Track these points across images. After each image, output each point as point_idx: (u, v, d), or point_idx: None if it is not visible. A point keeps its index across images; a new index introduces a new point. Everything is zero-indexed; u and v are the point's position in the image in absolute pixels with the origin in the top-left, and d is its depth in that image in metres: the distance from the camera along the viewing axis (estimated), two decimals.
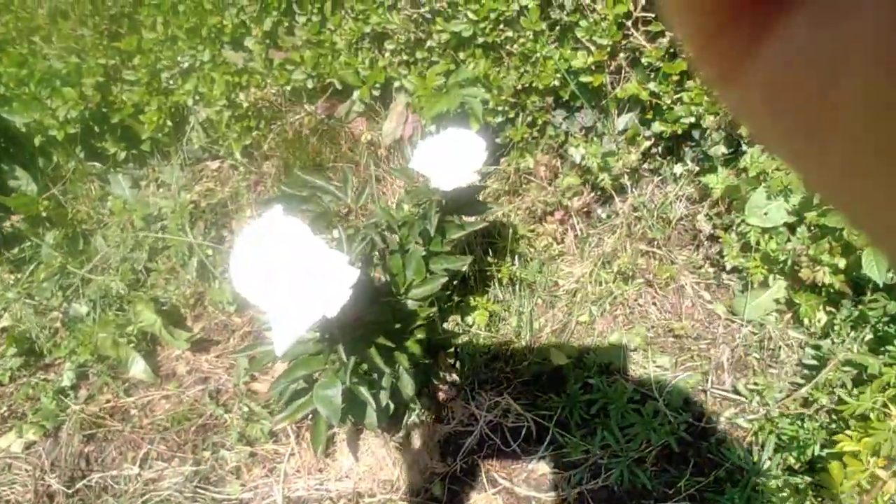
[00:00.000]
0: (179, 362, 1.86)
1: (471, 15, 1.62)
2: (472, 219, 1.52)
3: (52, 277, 1.98)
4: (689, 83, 1.57)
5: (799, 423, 1.46)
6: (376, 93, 1.82)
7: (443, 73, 1.72)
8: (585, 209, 1.83)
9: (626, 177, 1.74)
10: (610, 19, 1.54)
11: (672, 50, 1.56)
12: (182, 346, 1.84)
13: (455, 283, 1.66)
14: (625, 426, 1.53)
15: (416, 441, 1.57)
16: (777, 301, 1.67)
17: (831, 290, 1.55)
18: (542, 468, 1.53)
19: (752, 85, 0.20)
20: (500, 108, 1.73)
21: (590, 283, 1.75)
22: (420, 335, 1.40)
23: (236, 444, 1.63)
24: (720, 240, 1.69)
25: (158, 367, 1.85)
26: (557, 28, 1.64)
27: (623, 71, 1.65)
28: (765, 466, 1.42)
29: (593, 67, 1.62)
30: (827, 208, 1.50)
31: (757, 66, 0.19)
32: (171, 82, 1.96)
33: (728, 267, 1.67)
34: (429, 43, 1.73)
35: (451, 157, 1.31)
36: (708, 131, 1.62)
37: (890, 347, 1.43)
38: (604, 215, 1.85)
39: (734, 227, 1.69)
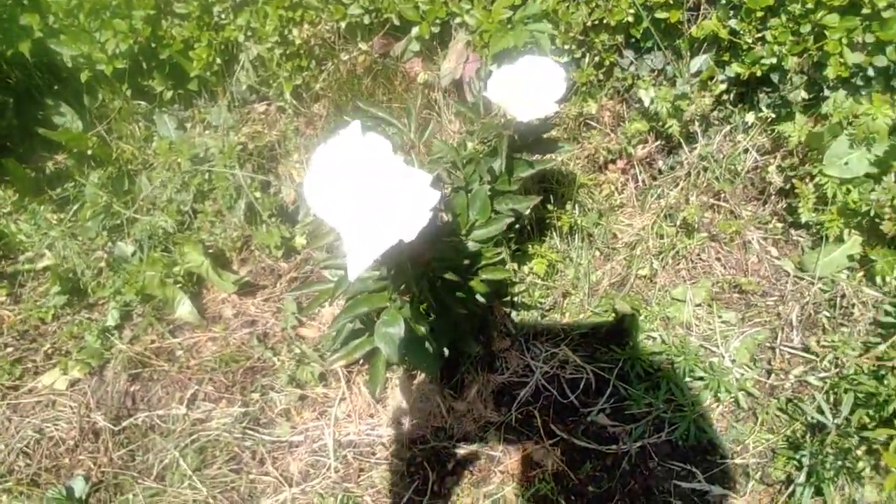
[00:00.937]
0: (225, 305, 1.82)
1: None
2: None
3: (97, 217, 1.94)
4: (774, 20, 1.48)
5: (876, 380, 1.38)
6: (435, 29, 1.75)
7: (509, 8, 1.64)
8: (648, 158, 1.75)
9: (695, 123, 1.65)
10: None
11: None
12: (229, 289, 1.80)
13: (516, 227, 1.59)
14: (690, 381, 1.46)
15: (471, 389, 1.52)
16: (851, 258, 1.58)
17: None
18: (601, 420, 1.48)
19: None
20: (566, 47, 1.65)
21: (651, 236, 1.67)
22: (486, 275, 1.34)
23: (286, 386, 1.59)
24: (792, 193, 1.61)
25: (205, 309, 1.81)
26: None
27: (701, 7, 1.56)
28: (839, 423, 1.35)
29: (671, 2, 1.53)
30: None
31: None
32: (222, 17, 1.90)
33: (802, 221, 1.58)
34: None
35: (529, 87, 1.24)
36: (789, 74, 1.53)
37: None
38: (665, 166, 1.77)
39: (808, 180, 1.60)
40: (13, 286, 1.90)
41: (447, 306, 1.38)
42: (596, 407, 1.48)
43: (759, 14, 1.47)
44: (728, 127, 1.70)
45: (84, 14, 1.85)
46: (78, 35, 1.86)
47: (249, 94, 2.04)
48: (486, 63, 1.68)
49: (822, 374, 1.47)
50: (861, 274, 1.58)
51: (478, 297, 1.35)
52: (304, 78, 1.94)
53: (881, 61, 1.45)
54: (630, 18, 1.58)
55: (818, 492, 1.32)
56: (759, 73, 1.55)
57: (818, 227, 1.57)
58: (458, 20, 1.73)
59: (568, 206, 1.66)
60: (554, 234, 1.68)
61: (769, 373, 1.51)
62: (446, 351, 1.44)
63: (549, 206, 1.65)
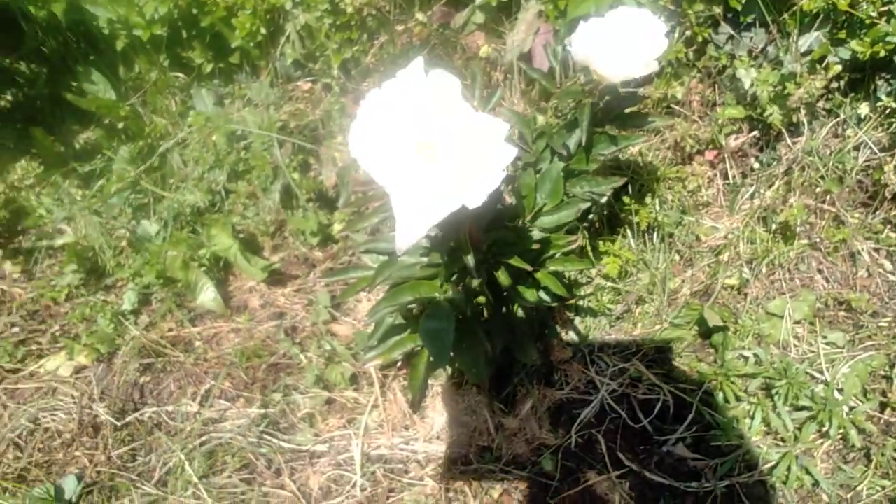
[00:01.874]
0: (253, 294, 1.64)
1: None
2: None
3: (122, 192, 1.79)
4: None
5: None
6: None
7: None
8: (740, 151, 1.52)
9: (800, 112, 1.42)
10: None
11: None
12: (258, 277, 1.62)
13: (589, 217, 1.38)
14: (790, 410, 1.21)
15: (524, 405, 1.30)
16: None
17: None
18: (680, 452, 1.24)
19: None
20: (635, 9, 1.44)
21: (742, 241, 1.44)
22: (556, 266, 1.13)
23: (312, 387, 1.39)
24: None
25: (229, 298, 1.64)
26: None
27: None
28: None
29: None
30: None
31: None
32: None
33: None
34: None
35: (624, 40, 1.03)
36: None
37: None
38: (759, 161, 1.53)
39: None
40: (28, 262, 1.75)
41: (506, 302, 1.17)
42: (674, 435, 1.25)
43: None
44: (835, 119, 1.46)
45: None
46: None
47: (294, 69, 1.88)
48: (561, 34, 1.48)
49: None
50: None
51: (543, 294, 1.13)
52: (354, 52, 1.77)
53: None
54: None
55: None
56: (882, 54, 1.32)
57: None
58: None
59: (647, 200, 1.44)
60: (628, 231, 1.45)
61: (884, 406, 1.25)
62: (498, 356, 1.23)
63: (625, 199, 1.43)
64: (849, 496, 1.17)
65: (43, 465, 1.35)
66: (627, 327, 1.37)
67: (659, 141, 1.53)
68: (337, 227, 1.69)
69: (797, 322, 1.34)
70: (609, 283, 1.40)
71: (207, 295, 1.60)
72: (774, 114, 1.41)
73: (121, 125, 1.87)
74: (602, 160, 1.20)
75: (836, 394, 1.25)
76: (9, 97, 1.94)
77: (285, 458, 1.32)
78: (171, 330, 1.58)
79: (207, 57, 1.87)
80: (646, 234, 1.45)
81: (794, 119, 1.44)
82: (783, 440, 1.20)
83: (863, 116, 1.42)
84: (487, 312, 1.18)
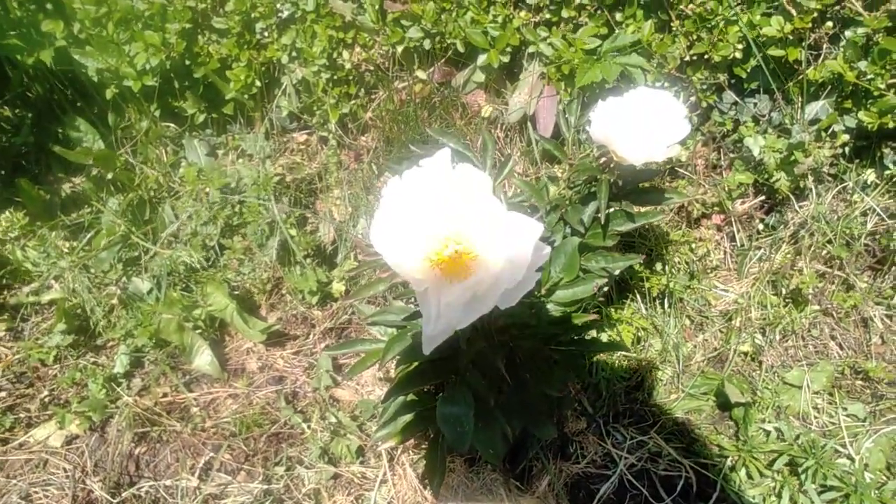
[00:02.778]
0: (250, 356, 1.59)
1: None
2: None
3: (113, 247, 1.73)
4: None
5: None
6: (504, 59, 1.54)
7: (595, 37, 1.43)
8: (746, 215, 1.52)
9: (808, 178, 1.42)
10: None
11: None
12: (256, 338, 1.57)
13: (605, 289, 1.36)
14: (817, 487, 1.20)
15: (541, 481, 1.27)
16: None
17: None
18: None
19: None
20: (658, 84, 1.44)
21: (753, 306, 1.43)
22: (571, 347, 1.10)
23: (316, 461, 1.35)
24: None
25: (225, 360, 1.58)
26: None
27: (823, 46, 1.35)
28: None
29: (790, 37, 1.32)
30: None
31: None
32: (265, 35, 1.71)
33: None
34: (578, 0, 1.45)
35: (645, 124, 1.02)
36: None
37: None
38: (765, 225, 1.53)
39: None
40: (14, 320, 1.68)
41: (524, 383, 1.15)
42: None
43: None
44: (841, 185, 1.47)
45: (113, 23, 1.67)
46: (105, 46, 1.68)
47: (290, 121, 1.85)
48: (565, 98, 1.47)
49: None
50: None
51: (563, 372, 1.11)
52: (352, 106, 1.74)
53: None
54: (738, 55, 1.36)
55: None
56: (890, 125, 1.32)
57: None
58: (531, 49, 1.53)
59: (657, 267, 1.43)
60: (637, 297, 1.44)
61: None
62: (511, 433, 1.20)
63: (634, 265, 1.42)
64: None
65: None
66: (642, 397, 1.35)
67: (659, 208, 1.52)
68: (336, 285, 1.65)
69: (816, 393, 1.33)
70: (621, 352, 1.38)
71: (204, 358, 1.55)
72: (782, 180, 1.41)
73: (110, 176, 1.81)
74: (618, 237, 1.18)
75: (861, 468, 1.23)
76: None
77: None
78: (165, 395, 1.52)
79: (200, 107, 1.83)
80: (655, 301, 1.43)
81: (801, 185, 1.44)
82: None
83: (869, 183, 1.43)
84: (504, 392, 1.15)
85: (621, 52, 1.42)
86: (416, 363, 1.10)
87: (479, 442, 1.16)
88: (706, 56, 1.39)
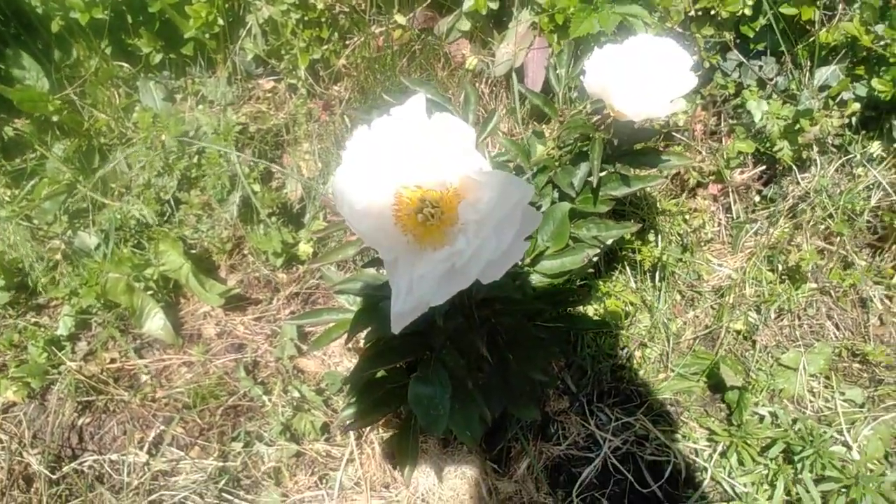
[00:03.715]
0: (208, 321, 1.47)
1: None
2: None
3: (57, 197, 1.58)
4: None
5: None
6: (493, 5, 1.41)
7: None
8: (744, 186, 1.43)
9: (812, 148, 1.33)
10: None
11: None
12: (213, 302, 1.45)
13: (594, 259, 1.26)
14: (814, 476, 1.13)
15: (520, 464, 1.18)
16: None
17: None
18: None
19: None
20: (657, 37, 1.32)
21: (747, 283, 1.35)
22: (559, 323, 1.01)
23: (278, 437, 1.25)
24: None
25: (180, 325, 1.46)
26: None
27: (838, 7, 1.24)
28: None
29: None
30: None
31: None
32: None
33: None
34: None
35: (647, 74, 0.91)
36: None
37: None
38: (762, 197, 1.45)
39: None
40: None
41: (506, 362, 1.05)
42: (688, 502, 1.15)
43: None
44: (843, 157, 1.38)
45: None
46: None
47: (255, 66, 1.69)
48: (556, 51, 1.35)
49: None
50: None
51: (548, 352, 1.01)
52: (324, 52, 1.60)
53: None
54: (747, 11, 1.25)
55: None
56: None
57: None
58: None
59: (650, 237, 1.33)
60: (626, 268, 1.35)
61: None
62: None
63: (625, 235, 1.32)
64: None
65: None
66: (629, 375, 1.27)
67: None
68: (303, 247, 1.53)
69: (812, 376, 1.26)
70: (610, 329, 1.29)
71: (155, 322, 1.42)
72: (784, 149, 1.32)
73: (55, 119, 1.65)
74: (612, 202, 1.08)
75: (863, 459, 1.17)
76: None
77: None
78: (113, 361, 1.40)
79: (157, 46, 1.67)
80: (645, 274, 1.35)
81: (804, 155, 1.35)
82: None
83: (874, 156, 1.35)
84: (484, 372, 1.06)
85: (620, 1, 1.30)
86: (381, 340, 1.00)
87: (454, 424, 1.06)
88: (712, 11, 1.28)
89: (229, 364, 1.38)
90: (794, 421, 1.18)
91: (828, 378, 1.26)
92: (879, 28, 1.21)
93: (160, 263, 1.46)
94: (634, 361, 1.28)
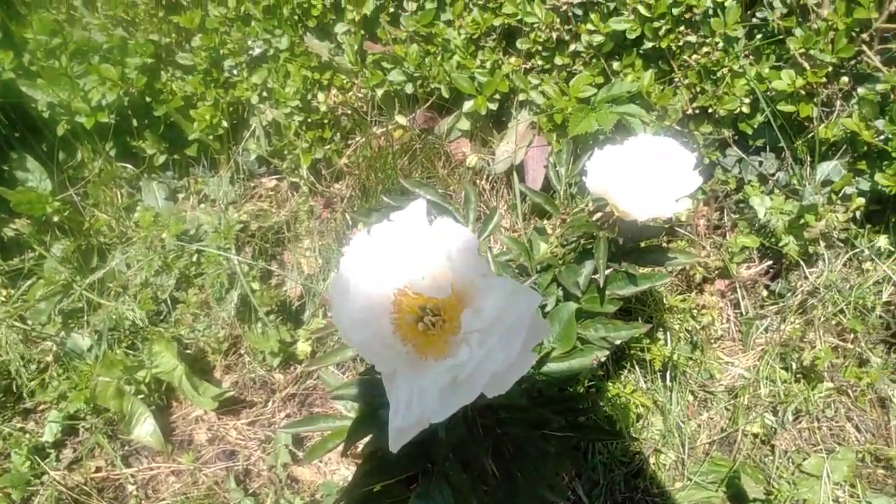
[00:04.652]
0: (199, 426, 1.41)
1: (643, 10, 1.23)
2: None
3: (52, 297, 1.56)
4: None
5: None
6: (492, 106, 1.43)
7: (590, 85, 1.33)
8: (751, 281, 1.40)
9: (819, 243, 1.31)
10: (840, 29, 1.15)
11: None
12: (207, 406, 1.39)
13: (603, 359, 1.22)
14: None
15: None
16: None
17: None
18: None
19: None
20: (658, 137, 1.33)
21: (761, 382, 1.30)
22: (568, 433, 0.95)
23: None
24: None
25: (171, 430, 1.40)
26: (759, 36, 1.25)
27: (836, 103, 1.25)
28: None
29: (802, 92, 1.22)
30: None
31: None
32: (234, 72, 1.59)
33: None
34: (573, 46, 1.35)
35: (650, 174, 0.90)
36: None
37: None
38: (765, 292, 1.42)
39: None
40: None
41: (512, 477, 0.99)
42: None
43: None
44: (850, 251, 1.36)
45: (67, 55, 1.53)
46: (57, 79, 1.54)
47: (258, 165, 1.71)
48: (561, 148, 1.35)
49: None
50: None
51: (557, 464, 0.95)
52: (326, 151, 1.61)
53: None
54: (745, 109, 1.26)
55: None
56: None
57: None
58: (521, 97, 1.42)
59: (658, 335, 1.29)
60: (636, 368, 1.30)
61: None
62: None
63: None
64: None
65: None
66: (644, 484, 1.20)
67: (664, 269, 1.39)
68: (301, 346, 1.49)
69: (836, 484, 1.19)
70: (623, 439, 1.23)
71: (145, 428, 1.37)
72: (790, 244, 1.30)
73: (56, 219, 1.64)
74: (620, 302, 1.04)
75: None
76: None
77: None
78: (98, 470, 1.34)
79: (160, 148, 1.68)
80: (656, 374, 1.30)
81: (810, 250, 1.33)
82: None
83: (882, 249, 1.32)
84: (489, 486, 0.99)
85: (618, 101, 1.31)
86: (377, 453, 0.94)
87: None
88: (710, 110, 1.29)
89: (220, 473, 1.31)
90: None
91: (853, 486, 1.19)
92: (880, 123, 1.21)
93: (153, 365, 1.42)
94: (649, 469, 1.22)
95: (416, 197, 1.06)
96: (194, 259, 1.56)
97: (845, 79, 1.21)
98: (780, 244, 1.32)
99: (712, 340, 1.36)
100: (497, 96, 1.43)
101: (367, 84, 1.50)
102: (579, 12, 1.33)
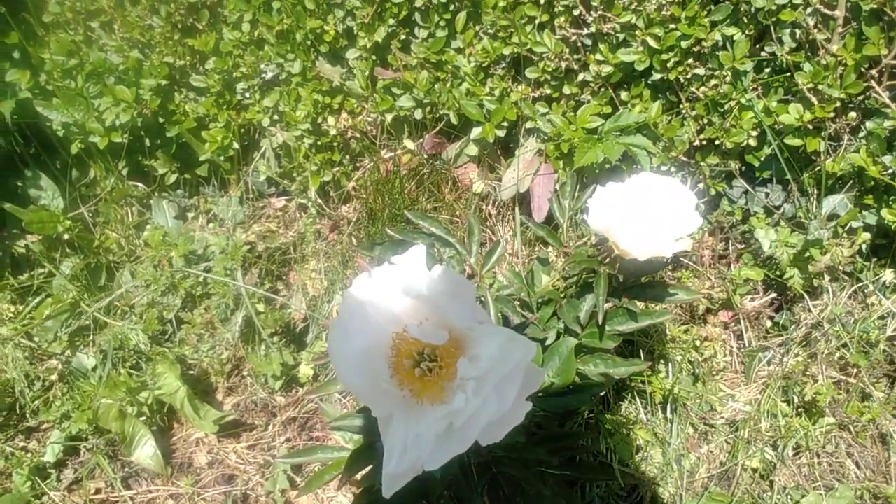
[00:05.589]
0: (200, 449, 1.42)
1: (651, 42, 1.24)
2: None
3: (60, 315, 1.57)
4: None
5: None
6: (500, 133, 1.44)
7: (597, 115, 1.33)
8: (754, 313, 1.39)
9: (824, 277, 1.30)
10: (849, 65, 1.15)
11: None
12: (207, 429, 1.40)
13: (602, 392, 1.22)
14: None
15: None
16: None
17: None
18: None
19: None
20: (664, 168, 1.33)
21: (762, 416, 1.29)
22: (565, 471, 0.95)
23: None
24: None
25: (171, 452, 1.41)
26: (767, 70, 1.25)
27: (844, 137, 1.25)
28: None
29: (809, 126, 1.22)
30: None
31: None
32: (246, 95, 1.61)
33: None
34: (582, 76, 1.36)
35: (651, 214, 0.90)
36: None
37: None
38: (769, 323, 1.41)
39: None
40: None
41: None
42: None
43: None
44: (855, 285, 1.35)
45: (83, 76, 1.55)
46: (72, 99, 1.56)
47: (267, 186, 1.72)
48: (561, 178, 1.36)
49: None
50: None
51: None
52: (335, 174, 1.63)
53: None
54: (752, 142, 1.26)
55: None
56: None
57: None
58: (529, 125, 1.43)
59: (660, 367, 1.29)
60: (636, 400, 1.29)
61: None
62: None
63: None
64: None
65: None
66: None
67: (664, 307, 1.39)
68: (304, 369, 1.50)
69: None
70: (618, 465, 1.23)
71: (145, 451, 1.37)
72: (795, 277, 1.29)
73: (66, 236, 1.66)
74: (619, 338, 1.04)
75: None
76: None
77: None
78: (98, 492, 1.34)
79: (172, 167, 1.70)
80: (656, 406, 1.29)
81: (815, 283, 1.32)
82: None
83: (887, 284, 1.31)
84: None
85: (625, 131, 1.32)
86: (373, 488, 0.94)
87: None
88: (717, 142, 1.29)
89: (218, 497, 1.31)
90: None
91: None
92: (887, 159, 1.21)
93: (156, 386, 1.42)
94: (647, 503, 1.21)
95: (420, 234, 1.07)
96: (200, 279, 1.57)
97: (853, 114, 1.21)
98: (785, 277, 1.31)
99: (714, 373, 1.35)
100: (505, 123, 1.43)
101: (377, 109, 1.52)
102: (588, 42, 1.34)
